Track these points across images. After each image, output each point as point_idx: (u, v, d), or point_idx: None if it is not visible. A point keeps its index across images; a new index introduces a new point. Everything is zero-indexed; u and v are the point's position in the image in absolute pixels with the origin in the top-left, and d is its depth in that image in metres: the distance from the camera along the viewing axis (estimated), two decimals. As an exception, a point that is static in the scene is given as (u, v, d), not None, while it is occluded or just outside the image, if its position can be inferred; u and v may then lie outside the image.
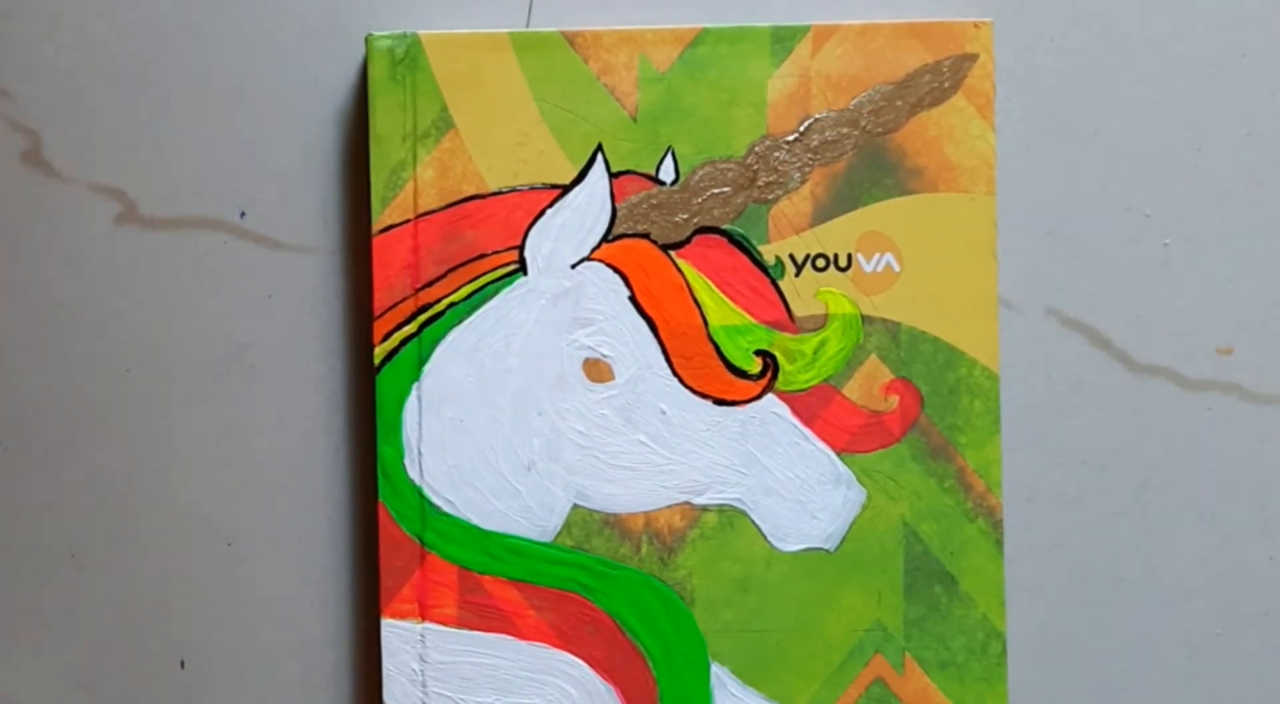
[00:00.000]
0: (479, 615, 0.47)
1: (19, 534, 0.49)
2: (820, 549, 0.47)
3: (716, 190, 0.47)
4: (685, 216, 0.47)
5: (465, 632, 0.47)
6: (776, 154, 0.47)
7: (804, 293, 0.47)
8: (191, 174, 0.49)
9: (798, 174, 0.47)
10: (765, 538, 0.47)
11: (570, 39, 0.47)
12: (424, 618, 0.47)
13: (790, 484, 0.47)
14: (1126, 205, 0.49)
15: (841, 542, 0.47)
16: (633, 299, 0.47)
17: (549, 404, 0.47)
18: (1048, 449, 0.49)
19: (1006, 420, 0.48)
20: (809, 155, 0.47)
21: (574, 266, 0.47)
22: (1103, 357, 0.49)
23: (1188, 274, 0.49)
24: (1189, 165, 0.49)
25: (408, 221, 0.47)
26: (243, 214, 0.49)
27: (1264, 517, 0.49)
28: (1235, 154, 0.49)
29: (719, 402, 0.47)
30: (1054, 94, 0.49)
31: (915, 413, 0.47)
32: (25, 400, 0.49)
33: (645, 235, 0.47)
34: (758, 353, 0.47)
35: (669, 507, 0.47)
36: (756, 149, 0.47)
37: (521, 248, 0.47)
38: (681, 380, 0.47)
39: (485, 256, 0.47)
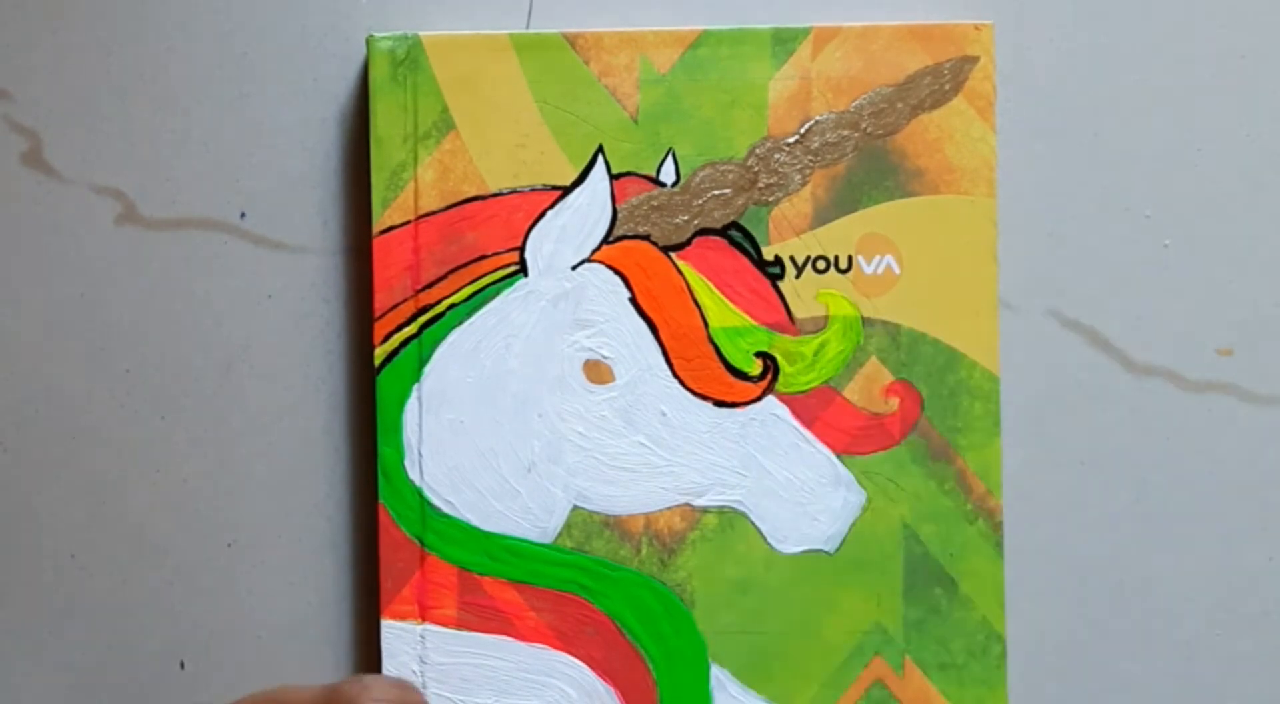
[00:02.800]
0: (479, 616, 0.47)
1: (19, 534, 0.49)
2: (820, 551, 0.47)
3: (717, 192, 0.47)
4: (686, 218, 0.47)
5: (465, 633, 0.47)
6: (777, 156, 0.47)
7: (804, 294, 0.47)
8: (191, 174, 0.49)
9: (798, 176, 0.47)
10: (765, 540, 0.47)
11: (571, 40, 0.47)
12: (424, 619, 0.47)
13: (790, 486, 0.47)
14: (1126, 206, 0.49)
15: (841, 543, 0.47)
16: (633, 300, 0.47)
17: (549, 405, 0.47)
18: (1048, 449, 0.49)
19: (1006, 421, 0.48)
20: (809, 157, 0.47)
21: (574, 268, 0.47)
22: (1103, 357, 0.49)
23: (1188, 274, 0.49)
24: (1189, 165, 0.49)
25: (408, 223, 0.47)
26: (243, 214, 0.49)
27: (1264, 517, 0.49)
28: (1235, 154, 0.49)
29: (719, 403, 0.47)
30: (1054, 95, 0.49)
31: (915, 415, 0.47)
32: (25, 400, 0.49)
33: (646, 237, 0.47)
34: (758, 355, 0.47)
35: (669, 508, 0.47)
36: (757, 151, 0.47)
37: (522, 249, 0.47)
38: (682, 382, 0.47)
39: (486, 258, 0.47)
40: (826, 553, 0.47)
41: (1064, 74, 0.49)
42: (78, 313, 0.49)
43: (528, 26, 0.49)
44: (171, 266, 0.49)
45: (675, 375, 0.47)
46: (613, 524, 0.47)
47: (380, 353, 0.47)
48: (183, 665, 0.49)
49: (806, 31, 0.47)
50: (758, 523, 0.47)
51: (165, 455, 0.49)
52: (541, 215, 0.47)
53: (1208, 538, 0.49)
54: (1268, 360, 0.49)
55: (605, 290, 0.47)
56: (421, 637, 0.47)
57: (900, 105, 0.47)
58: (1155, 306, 0.49)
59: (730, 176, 0.47)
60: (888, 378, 0.47)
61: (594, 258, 0.47)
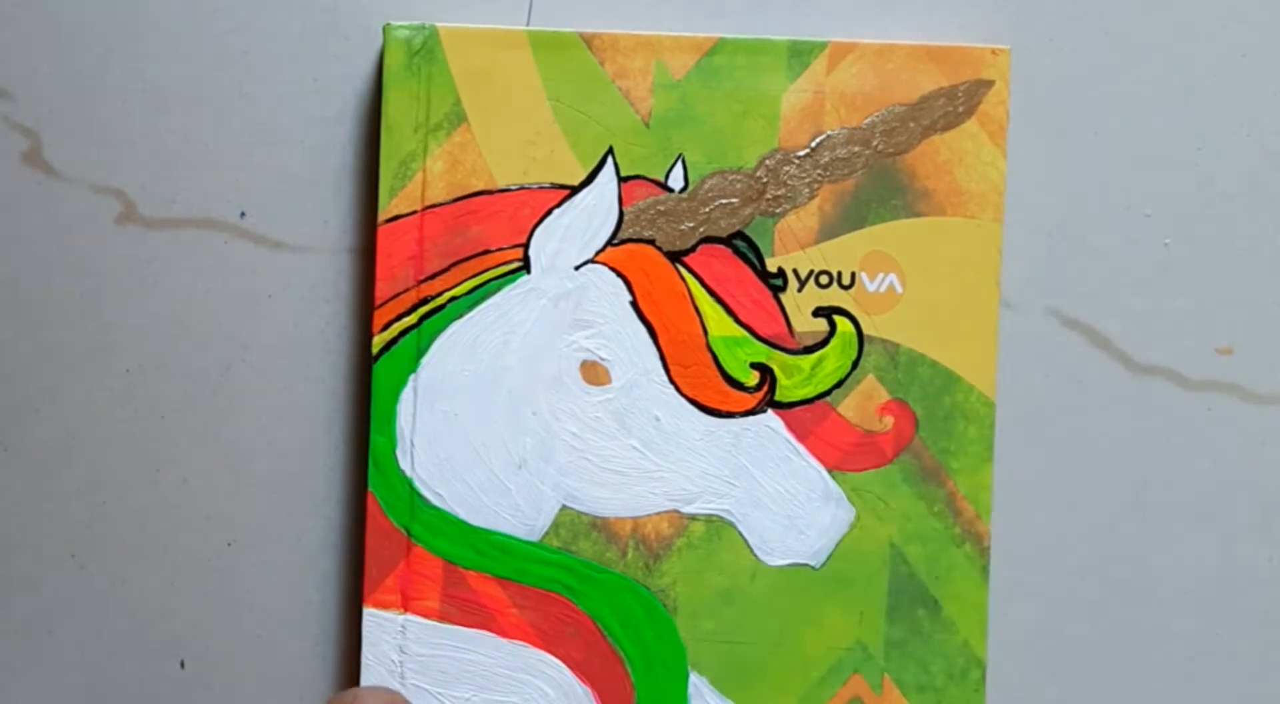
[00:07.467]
0: (461, 610, 0.47)
1: (19, 534, 0.49)
2: (806, 565, 0.47)
3: (724, 201, 0.47)
4: (691, 225, 0.47)
5: (446, 626, 0.47)
6: (786, 168, 0.47)
7: (805, 309, 0.47)
8: (191, 174, 0.49)
9: (806, 190, 0.47)
10: (751, 551, 0.47)
11: (587, 41, 0.47)
12: (406, 609, 0.47)
13: (780, 499, 0.47)
14: (1126, 205, 0.49)
15: (827, 559, 0.47)
16: (634, 304, 0.47)
17: (544, 404, 0.47)
18: (1046, 449, 0.49)
19: (1004, 420, 0.48)
20: (819, 171, 0.47)
21: (577, 268, 0.47)
22: (1103, 356, 0.49)
23: (1188, 274, 0.49)
24: (1189, 165, 0.49)
25: (414, 213, 0.47)
26: (243, 214, 0.49)
27: (1264, 517, 0.49)
28: (1235, 154, 0.49)
29: (714, 412, 0.47)
30: (1054, 94, 0.49)
31: (909, 435, 0.47)
32: (25, 400, 0.49)
33: (650, 241, 0.47)
34: (755, 366, 0.47)
35: (657, 513, 0.47)
36: (767, 162, 0.47)
37: (526, 246, 0.47)
38: (678, 388, 0.47)
39: (490, 253, 0.47)
40: (812, 567, 0.47)
41: (1064, 72, 0.49)
42: (78, 313, 0.49)
43: (528, 24, 0.48)
44: (171, 266, 0.49)
45: (672, 381, 0.47)
46: (600, 526, 0.47)
47: (379, 341, 0.47)
48: (183, 665, 0.49)
49: (823, 45, 0.47)
50: (745, 533, 0.47)
51: (165, 455, 0.49)
52: (548, 213, 0.47)
53: (1208, 538, 0.49)
54: (1268, 360, 0.49)
55: (607, 292, 0.47)
56: (403, 627, 0.47)
57: (912, 125, 0.47)
58: (1156, 306, 0.49)
59: (738, 186, 0.47)
60: (884, 396, 0.47)
61: (597, 259, 0.47)
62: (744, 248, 0.47)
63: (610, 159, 0.47)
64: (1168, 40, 0.49)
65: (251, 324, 0.49)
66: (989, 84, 0.47)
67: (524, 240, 0.47)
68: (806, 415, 0.47)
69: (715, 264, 0.47)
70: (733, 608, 0.47)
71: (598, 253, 0.47)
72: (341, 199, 0.49)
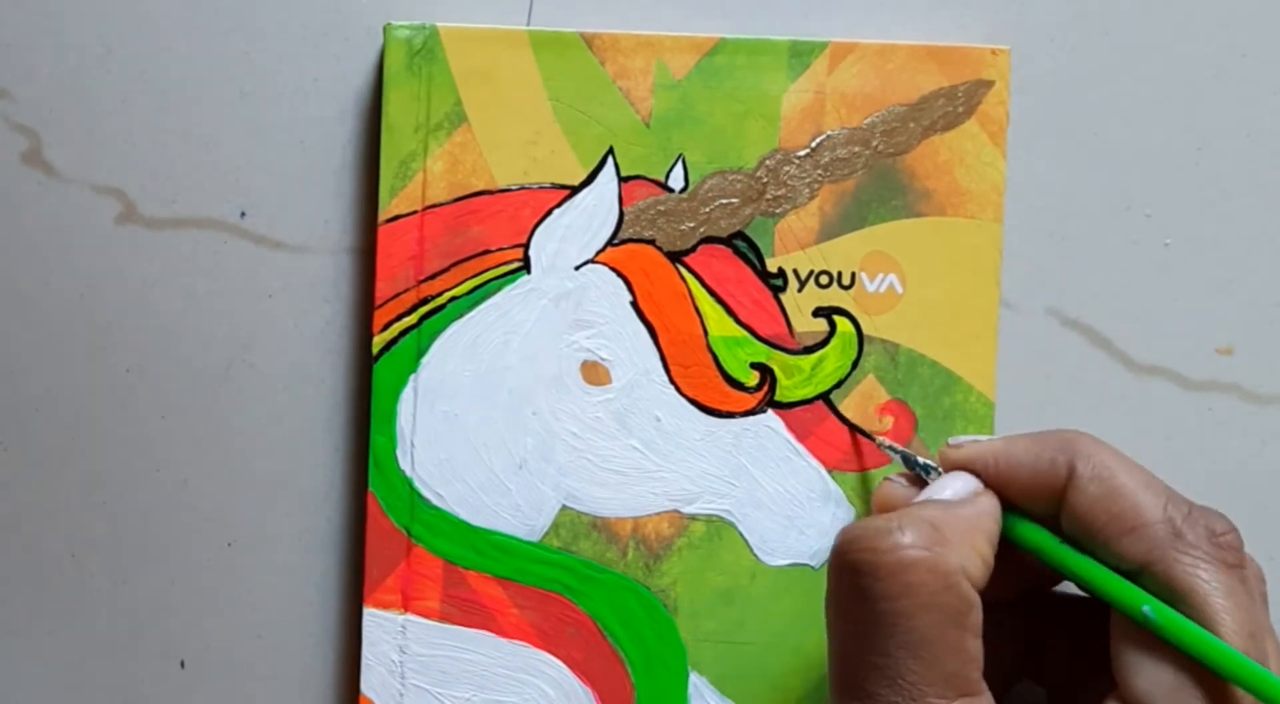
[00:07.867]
0: (461, 610, 0.47)
1: (19, 534, 0.49)
2: (805, 565, 0.47)
3: (724, 201, 0.47)
4: (691, 225, 0.47)
5: (447, 626, 0.47)
6: (787, 168, 0.47)
7: (805, 309, 0.47)
8: (191, 174, 0.49)
9: (806, 190, 0.47)
10: (752, 551, 0.47)
11: (588, 40, 0.47)
12: (406, 609, 0.47)
13: (780, 498, 0.47)
14: (1126, 205, 0.49)
15: (827, 559, 0.47)
16: (634, 304, 0.47)
17: (544, 404, 0.47)
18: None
19: (1003, 421, 0.48)
20: (819, 171, 0.47)
21: (578, 268, 0.47)
22: (1103, 357, 0.49)
23: (1188, 274, 0.49)
24: (1189, 165, 0.49)
25: (414, 213, 0.47)
26: (243, 214, 0.49)
27: (1264, 517, 0.49)
28: (1235, 154, 0.49)
29: (714, 412, 0.47)
30: (1054, 94, 0.49)
31: (909, 435, 0.47)
32: (25, 400, 0.49)
33: (651, 241, 0.47)
34: (755, 366, 0.47)
35: (658, 513, 0.47)
36: (767, 162, 0.47)
37: (526, 246, 0.47)
38: (678, 388, 0.47)
39: (490, 253, 0.47)
40: (812, 568, 0.47)
41: (1064, 73, 0.49)
42: (78, 313, 0.49)
43: (529, 24, 0.48)
44: (171, 266, 0.49)
45: (672, 381, 0.47)
46: (601, 526, 0.47)
47: (379, 341, 0.47)
48: (183, 665, 0.49)
49: (824, 45, 0.47)
50: (745, 534, 0.47)
51: (165, 455, 0.49)
52: (548, 213, 0.47)
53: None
54: (1268, 360, 0.49)
55: (607, 292, 0.47)
56: (403, 627, 0.47)
57: (912, 125, 0.47)
58: (1155, 306, 0.49)
59: (738, 186, 0.47)
60: (883, 397, 0.47)
61: (598, 259, 0.47)
62: (744, 248, 0.47)
63: (610, 159, 0.47)
64: (1168, 40, 0.49)
65: (251, 324, 0.49)
66: (989, 84, 0.47)
67: (524, 240, 0.47)
68: (806, 415, 0.47)
69: (715, 264, 0.47)
70: (733, 608, 0.47)
71: (598, 253, 0.47)
72: (341, 199, 0.49)
